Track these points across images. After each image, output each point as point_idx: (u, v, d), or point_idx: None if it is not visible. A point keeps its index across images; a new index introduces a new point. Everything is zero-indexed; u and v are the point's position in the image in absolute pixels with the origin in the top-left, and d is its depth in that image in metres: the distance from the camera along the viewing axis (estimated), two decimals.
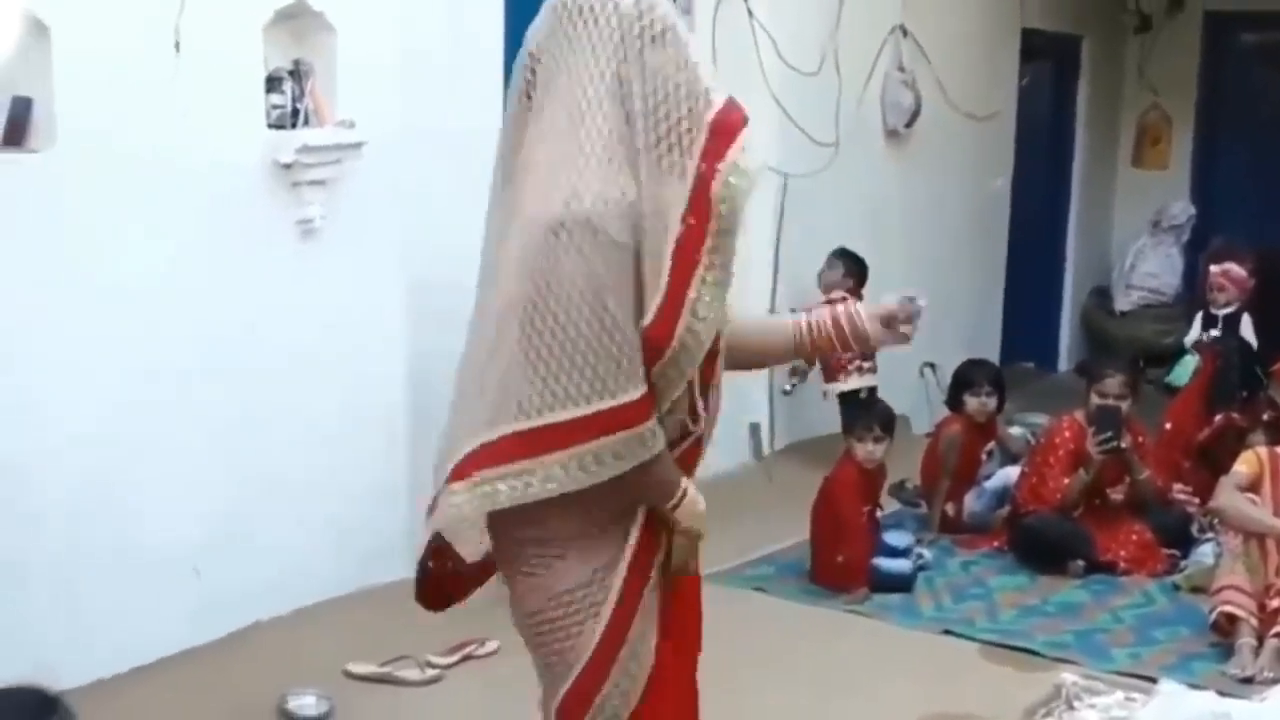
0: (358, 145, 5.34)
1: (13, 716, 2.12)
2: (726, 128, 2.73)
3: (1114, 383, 6.50)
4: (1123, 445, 6.40)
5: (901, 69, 8.59)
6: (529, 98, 2.87)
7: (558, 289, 2.72)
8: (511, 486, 2.79)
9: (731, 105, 2.77)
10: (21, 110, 4.50)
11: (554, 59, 2.81)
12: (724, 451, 7.24)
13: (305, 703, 4.68)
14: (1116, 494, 6.57)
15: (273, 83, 5.20)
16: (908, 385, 8.72)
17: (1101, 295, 11.72)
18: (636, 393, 2.72)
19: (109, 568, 4.79)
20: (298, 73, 5.28)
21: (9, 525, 4.52)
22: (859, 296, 6.97)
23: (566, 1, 2.82)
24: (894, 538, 6.35)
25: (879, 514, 6.40)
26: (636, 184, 2.72)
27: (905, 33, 8.58)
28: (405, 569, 5.71)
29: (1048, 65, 11.06)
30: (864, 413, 6.39)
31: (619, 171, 2.71)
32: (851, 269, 7.61)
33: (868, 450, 6.17)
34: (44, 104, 4.52)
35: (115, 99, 4.66)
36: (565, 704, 2.96)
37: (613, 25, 2.75)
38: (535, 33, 2.88)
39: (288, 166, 5.16)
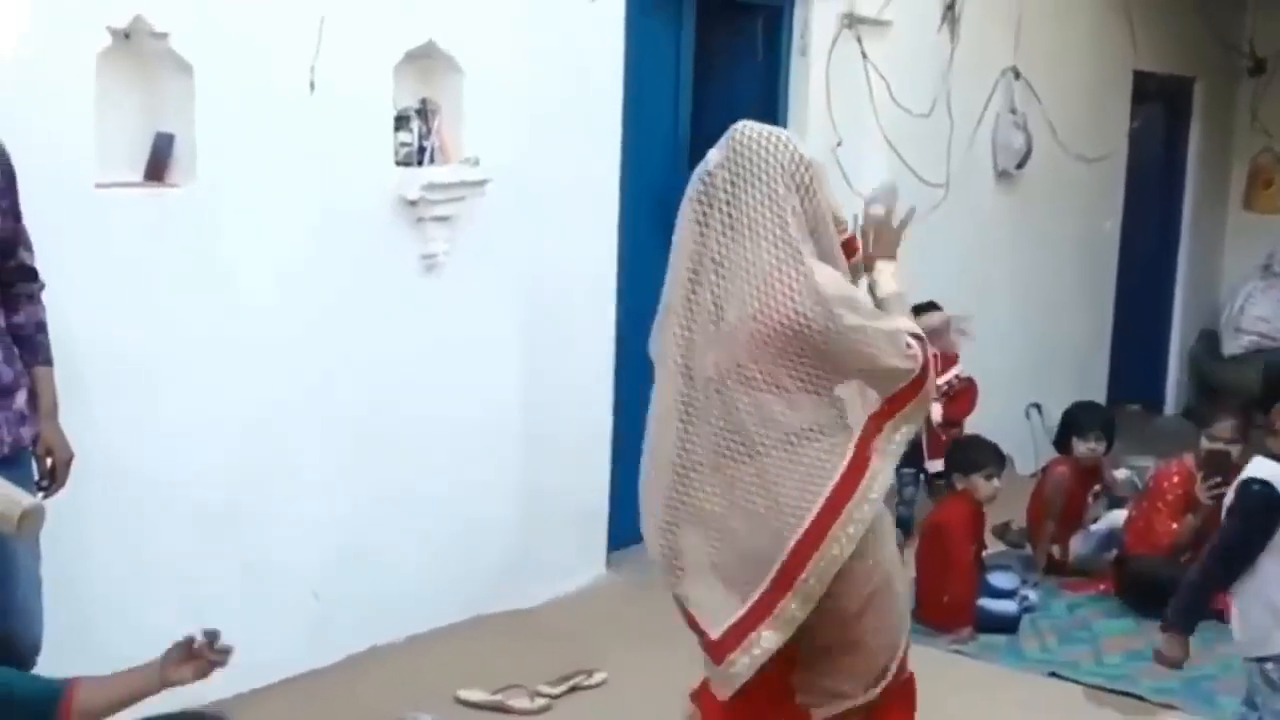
0: (481, 183, 5.46)
1: None
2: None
3: (1225, 427, 6.46)
4: None
5: (1013, 110, 8.60)
6: (704, 219, 3.50)
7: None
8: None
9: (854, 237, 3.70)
10: (164, 146, 4.64)
11: (733, 190, 3.46)
12: None
13: None
14: None
15: (401, 121, 5.33)
16: (1013, 426, 8.72)
17: (1210, 338, 11.61)
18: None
19: (234, 587, 4.92)
20: (425, 111, 5.41)
21: (144, 540, 4.67)
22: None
23: (739, 144, 3.51)
24: (1000, 579, 6.36)
25: (983, 554, 6.42)
26: None
27: (1017, 75, 8.59)
28: (517, 599, 5.86)
29: (1159, 107, 11.00)
30: (983, 451, 6.38)
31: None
32: None
33: (993, 488, 6.23)
34: (185, 140, 4.66)
35: (253, 136, 4.81)
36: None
37: (785, 169, 3.45)
38: (709, 166, 3.53)
39: (413, 203, 5.28)
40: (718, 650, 3.52)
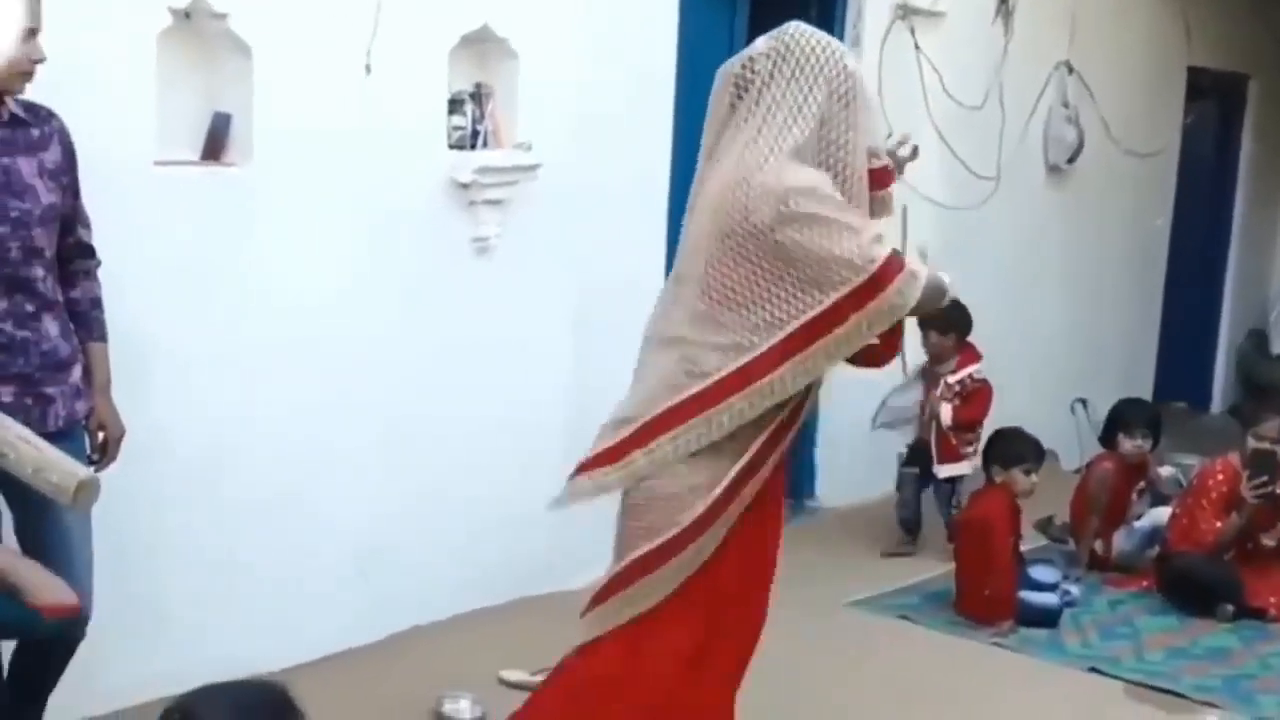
0: (533, 167, 5.49)
1: (257, 713, 2.20)
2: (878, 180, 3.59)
3: (1272, 427, 6.43)
4: (1278, 490, 6.35)
5: (1065, 105, 8.57)
6: (737, 101, 3.56)
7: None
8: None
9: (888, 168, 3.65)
10: (222, 125, 4.69)
11: (769, 80, 3.50)
12: (874, 480, 7.30)
13: (460, 707, 4.78)
14: (1269, 539, 6.49)
15: (455, 105, 5.36)
16: (1058, 421, 8.71)
17: (1258, 337, 11.56)
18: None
19: (282, 566, 4.99)
20: (478, 95, 5.43)
21: (193, 518, 4.74)
22: (962, 346, 6.92)
23: (799, 35, 3.55)
24: (1041, 573, 6.35)
25: (1020, 547, 6.42)
26: None
27: (1070, 69, 8.56)
28: (560, 581, 5.89)
29: (1212, 104, 10.95)
30: (1023, 445, 6.36)
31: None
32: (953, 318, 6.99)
33: (1031, 482, 6.23)
34: (243, 120, 4.71)
35: (309, 117, 4.85)
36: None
37: (826, 74, 3.49)
38: (754, 51, 3.56)
39: (466, 186, 5.32)
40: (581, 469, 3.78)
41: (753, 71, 3.54)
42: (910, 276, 3.40)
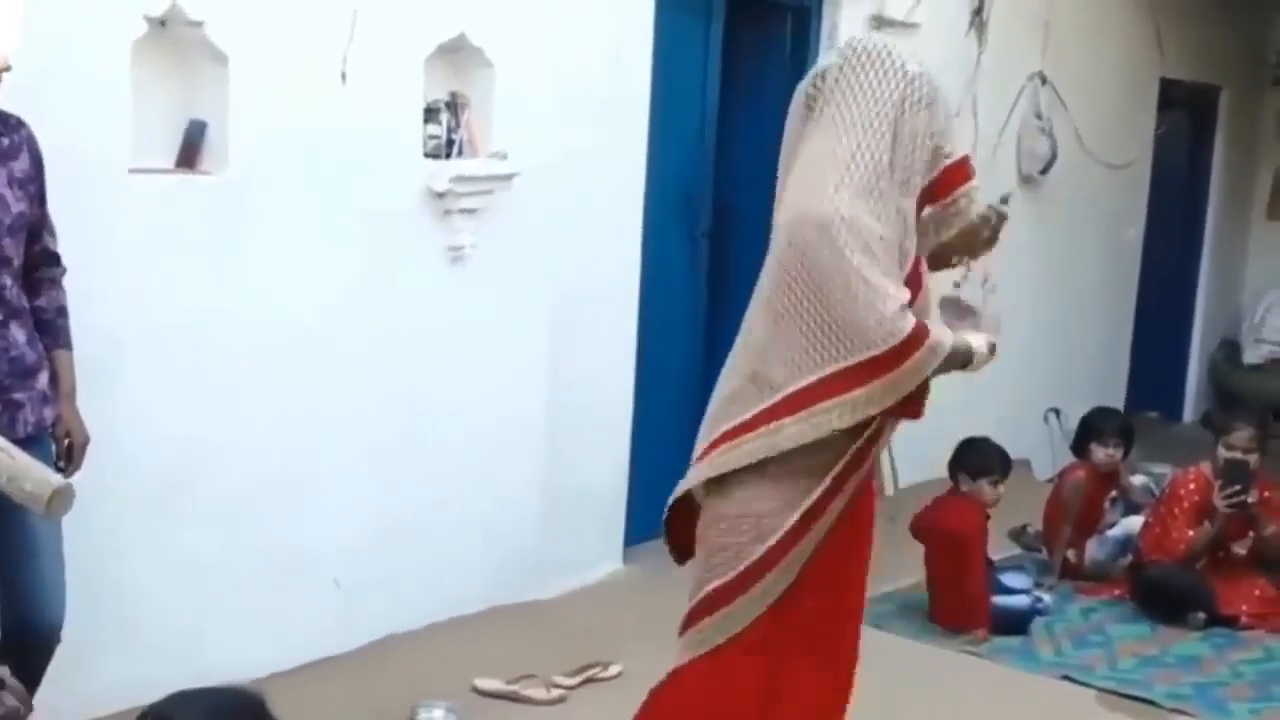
0: (509, 176, 5.50)
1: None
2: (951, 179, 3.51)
3: (1243, 436, 6.47)
4: (1249, 500, 6.39)
5: (1039, 116, 8.61)
6: (810, 110, 3.48)
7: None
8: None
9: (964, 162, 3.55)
10: (197, 133, 4.68)
11: (842, 91, 3.39)
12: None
13: (434, 715, 4.77)
14: (1240, 548, 6.54)
15: (430, 114, 5.36)
16: (1031, 430, 8.74)
17: (1230, 347, 11.62)
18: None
19: (258, 573, 4.98)
20: (454, 104, 5.44)
21: (169, 526, 4.72)
22: None
23: (862, 48, 3.43)
24: (1012, 579, 6.37)
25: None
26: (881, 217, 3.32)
27: (1044, 80, 8.61)
28: (534, 590, 5.91)
29: (1185, 115, 11.01)
30: (991, 457, 6.37)
31: (876, 200, 3.31)
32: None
33: (997, 494, 6.24)
34: (218, 128, 4.70)
35: (284, 125, 4.85)
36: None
37: (897, 81, 3.36)
38: (827, 63, 3.49)
39: (441, 195, 5.31)
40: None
41: (817, 86, 3.47)
42: (930, 353, 3.32)
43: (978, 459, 6.34)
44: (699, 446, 3.57)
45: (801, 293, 3.33)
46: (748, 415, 3.43)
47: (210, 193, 4.71)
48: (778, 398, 3.38)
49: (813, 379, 3.34)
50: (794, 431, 3.36)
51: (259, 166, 4.80)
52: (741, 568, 3.49)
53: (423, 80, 5.29)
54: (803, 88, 3.53)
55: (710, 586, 3.55)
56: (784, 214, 3.40)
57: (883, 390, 3.32)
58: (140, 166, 4.54)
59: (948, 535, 6.18)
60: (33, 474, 3.29)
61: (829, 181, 3.29)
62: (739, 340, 3.56)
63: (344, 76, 4.96)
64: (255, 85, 4.74)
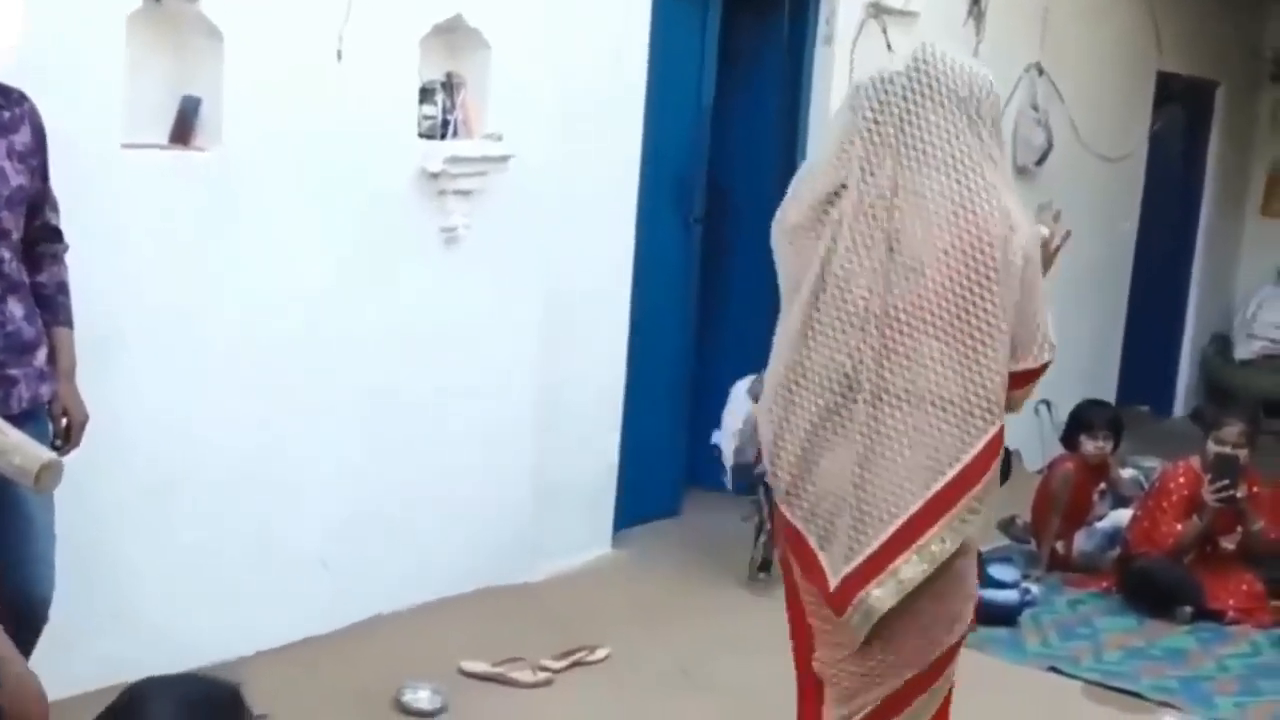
0: (504, 158, 5.48)
1: (205, 709, 2.16)
2: None
3: (1233, 431, 6.48)
4: (1238, 495, 6.40)
5: (1035, 107, 8.60)
6: (875, 123, 3.24)
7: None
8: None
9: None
10: (190, 109, 4.67)
11: (915, 104, 3.22)
12: None
13: (420, 696, 4.78)
14: (1229, 543, 6.55)
15: (426, 94, 5.35)
16: (1022, 421, 8.73)
17: (1222, 342, 11.63)
18: None
19: (244, 553, 4.97)
20: (450, 85, 5.43)
21: (158, 504, 4.71)
22: None
23: (934, 57, 3.26)
24: (1000, 571, 6.37)
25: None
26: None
27: (1041, 71, 8.59)
28: (522, 574, 5.90)
29: (1181, 110, 11.00)
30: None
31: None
32: None
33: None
34: (212, 105, 4.69)
35: (279, 103, 4.84)
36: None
37: (974, 94, 3.25)
38: (890, 72, 3.27)
39: (435, 175, 5.30)
40: (844, 589, 3.27)
41: (889, 98, 3.25)
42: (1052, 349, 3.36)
43: None
44: (918, 499, 3.22)
45: (1008, 308, 3.21)
46: (979, 446, 3.22)
47: (204, 169, 4.69)
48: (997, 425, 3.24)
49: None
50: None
51: (253, 143, 4.79)
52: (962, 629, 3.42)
53: (418, 60, 5.28)
54: (860, 106, 3.28)
55: (935, 655, 3.38)
56: (1023, 234, 3.23)
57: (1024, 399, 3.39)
58: (133, 142, 4.52)
59: None
60: (23, 449, 3.28)
61: (1003, 193, 3.24)
62: (907, 373, 3.22)
63: (339, 55, 4.95)
64: (250, 62, 4.73)
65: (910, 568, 3.21)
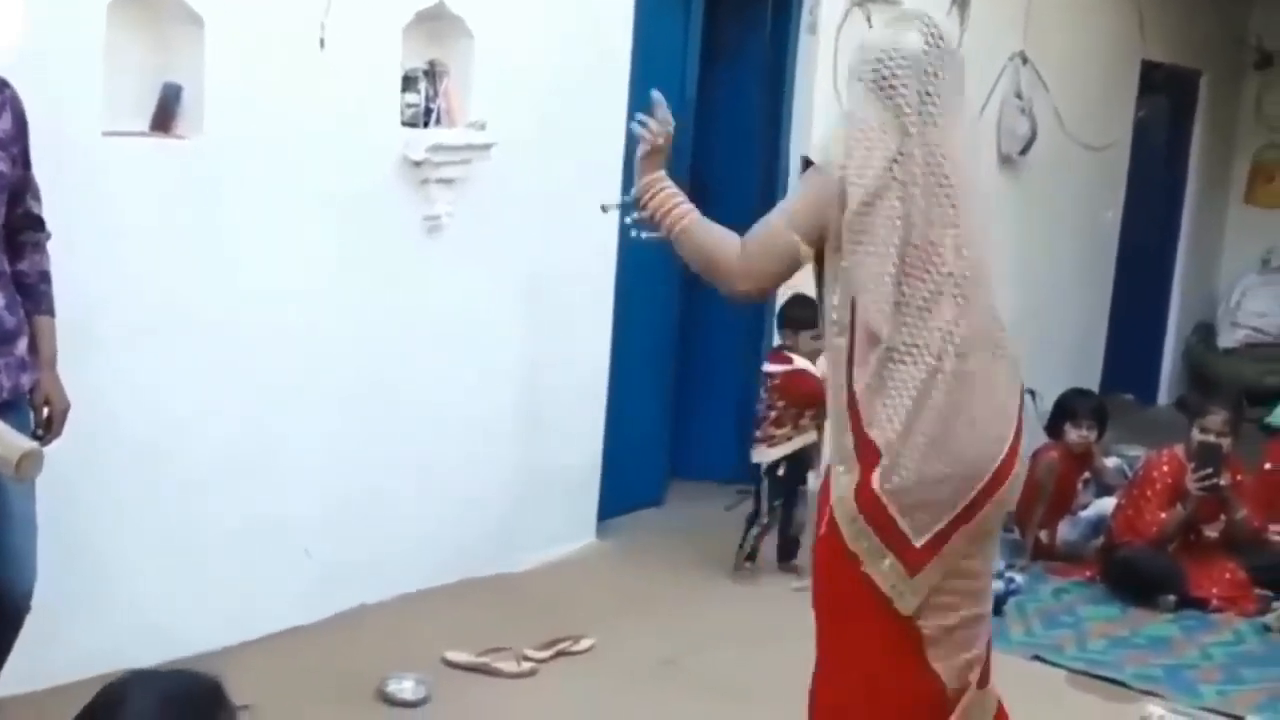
0: (487, 147, 5.47)
1: (185, 704, 2.15)
2: None
3: (1217, 420, 6.48)
4: (1222, 483, 6.40)
5: (1019, 96, 8.60)
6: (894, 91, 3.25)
7: None
8: None
9: None
10: (172, 97, 4.64)
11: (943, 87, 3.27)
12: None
13: (404, 687, 4.76)
14: (1212, 531, 6.57)
15: (408, 82, 5.32)
16: None
17: (1206, 331, 11.65)
18: None
19: (228, 543, 4.96)
20: (433, 73, 5.40)
21: (141, 494, 4.70)
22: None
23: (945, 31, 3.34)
24: None
25: None
26: None
27: (1025, 60, 8.60)
28: (507, 564, 5.89)
29: (1165, 99, 11.01)
30: None
31: None
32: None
33: None
34: (194, 92, 4.66)
35: (261, 90, 4.81)
36: None
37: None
38: (901, 38, 3.29)
39: (418, 164, 5.28)
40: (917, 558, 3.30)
41: (899, 68, 3.26)
42: None
43: None
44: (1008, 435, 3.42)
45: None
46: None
47: (185, 157, 4.67)
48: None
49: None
50: None
51: (235, 131, 4.76)
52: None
53: (401, 48, 5.25)
54: (866, 73, 3.29)
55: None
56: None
57: None
58: (115, 130, 4.50)
59: None
60: (3, 438, 3.28)
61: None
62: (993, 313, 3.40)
63: (322, 42, 4.92)
64: (231, 49, 4.70)
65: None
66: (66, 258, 4.07)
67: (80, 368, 4.12)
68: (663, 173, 3.53)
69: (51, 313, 3.94)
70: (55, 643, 4.26)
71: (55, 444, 3.86)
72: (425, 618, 5.43)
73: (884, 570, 3.29)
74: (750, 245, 3.37)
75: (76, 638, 4.41)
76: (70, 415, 3.97)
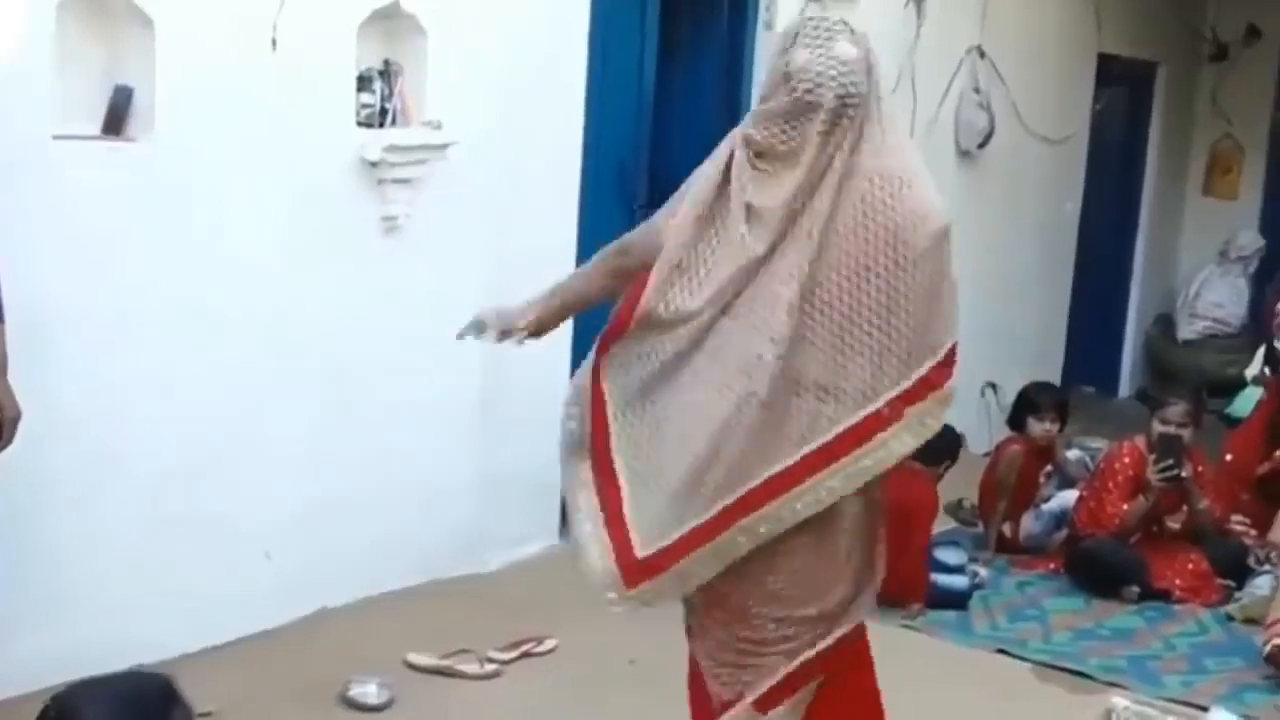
0: (443, 146, 5.44)
1: (138, 705, 2.15)
2: None
3: (1177, 411, 6.51)
4: (1183, 474, 6.42)
5: (977, 90, 8.61)
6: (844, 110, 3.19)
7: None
8: None
9: None
10: (122, 99, 4.60)
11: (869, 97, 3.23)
12: None
13: (367, 691, 4.74)
14: (1174, 522, 6.59)
15: (363, 82, 5.30)
16: (968, 405, 8.75)
17: (1165, 323, 11.71)
18: None
19: (187, 546, 4.92)
20: (387, 73, 5.38)
21: (100, 498, 4.66)
22: None
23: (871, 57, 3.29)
24: (947, 554, 6.37)
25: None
26: None
27: (982, 54, 8.60)
28: (470, 565, 5.86)
29: (1122, 91, 11.06)
30: (951, 444, 6.28)
31: None
32: None
33: (939, 477, 6.25)
34: (145, 94, 4.62)
35: (213, 92, 4.78)
36: None
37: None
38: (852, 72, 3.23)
39: (374, 164, 5.26)
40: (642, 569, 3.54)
41: (855, 85, 3.22)
42: None
43: (938, 444, 6.31)
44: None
45: (918, 300, 3.30)
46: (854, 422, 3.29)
47: (137, 160, 4.64)
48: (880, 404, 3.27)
49: (909, 384, 3.29)
50: (908, 440, 3.38)
51: (187, 134, 4.73)
52: None
53: (355, 48, 5.23)
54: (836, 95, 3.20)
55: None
56: (937, 221, 3.28)
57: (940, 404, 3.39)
58: (65, 133, 4.46)
59: (896, 508, 6.14)
60: None
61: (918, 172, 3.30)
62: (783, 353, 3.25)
63: (274, 43, 4.89)
64: (182, 50, 4.67)
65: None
66: (18, 262, 4.04)
67: (35, 372, 4.09)
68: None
69: (1, 319, 3.90)
70: (12, 648, 4.22)
71: (8, 451, 3.82)
72: (388, 620, 5.40)
73: None
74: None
75: (34, 643, 4.38)
76: (25, 419, 3.95)
